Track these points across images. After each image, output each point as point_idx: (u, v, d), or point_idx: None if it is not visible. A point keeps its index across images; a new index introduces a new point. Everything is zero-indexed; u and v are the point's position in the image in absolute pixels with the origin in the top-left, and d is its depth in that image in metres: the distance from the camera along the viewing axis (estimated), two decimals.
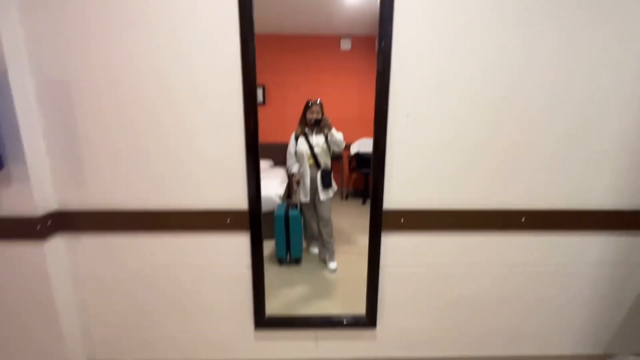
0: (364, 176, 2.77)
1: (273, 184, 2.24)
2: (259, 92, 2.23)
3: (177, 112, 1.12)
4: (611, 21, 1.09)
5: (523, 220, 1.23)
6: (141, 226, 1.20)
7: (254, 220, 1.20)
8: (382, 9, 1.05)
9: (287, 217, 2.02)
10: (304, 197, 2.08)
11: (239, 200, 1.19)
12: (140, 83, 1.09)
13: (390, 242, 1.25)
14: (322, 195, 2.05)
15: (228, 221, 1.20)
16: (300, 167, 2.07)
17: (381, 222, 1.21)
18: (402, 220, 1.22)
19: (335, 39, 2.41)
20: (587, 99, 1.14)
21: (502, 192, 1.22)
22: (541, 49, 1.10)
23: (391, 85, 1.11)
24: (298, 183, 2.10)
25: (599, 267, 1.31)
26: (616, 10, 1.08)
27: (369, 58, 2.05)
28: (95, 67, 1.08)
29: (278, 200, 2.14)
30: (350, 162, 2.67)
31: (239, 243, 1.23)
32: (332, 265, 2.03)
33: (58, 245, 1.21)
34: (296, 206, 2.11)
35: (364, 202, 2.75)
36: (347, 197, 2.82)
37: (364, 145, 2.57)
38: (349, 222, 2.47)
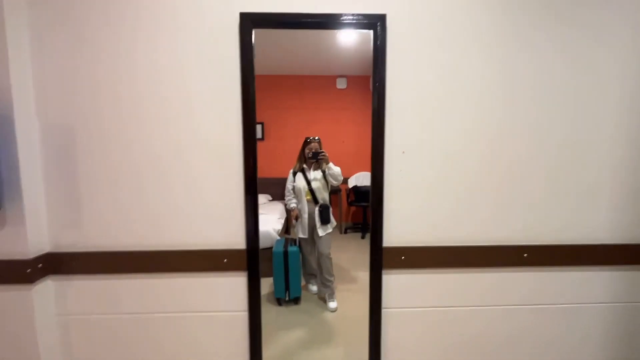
0: (362, 210, 2.76)
1: (271, 219, 2.21)
2: (258, 128, 2.31)
3: (177, 152, 1.14)
4: (594, 59, 1.16)
5: (525, 255, 1.21)
6: (136, 268, 1.17)
7: (251, 260, 1.17)
8: (376, 53, 1.12)
9: (286, 254, 1.97)
10: (302, 233, 2.06)
11: (237, 239, 1.17)
12: (141, 124, 1.12)
13: (392, 281, 1.21)
14: (321, 231, 2.02)
15: (225, 261, 1.17)
16: (298, 202, 2.07)
17: (381, 259, 1.18)
18: (402, 258, 1.19)
19: (332, 79, 2.47)
20: (576, 136, 1.18)
21: (502, 227, 1.21)
22: (528, 87, 1.16)
23: (386, 124, 1.14)
24: (296, 219, 2.09)
25: (608, 304, 1.27)
26: (597, 49, 1.16)
27: (364, 96, 2.13)
28: (100, 112, 1.11)
29: (276, 236, 2.11)
30: (348, 196, 2.67)
31: (236, 284, 1.19)
32: (332, 304, 1.95)
33: (47, 289, 1.16)
34: (295, 242, 2.07)
35: (363, 237, 2.71)
36: (346, 232, 2.78)
37: (361, 178, 2.58)
38: (349, 258, 2.41)
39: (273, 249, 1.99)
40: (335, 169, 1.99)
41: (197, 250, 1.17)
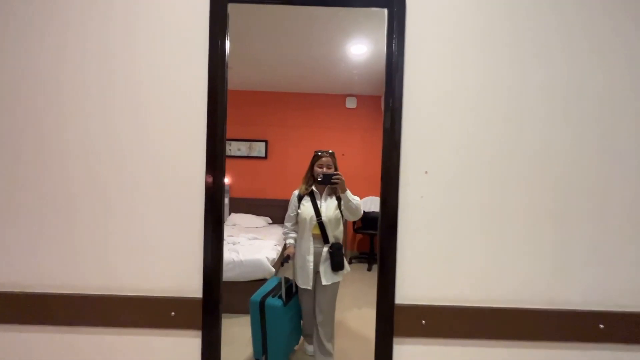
0: (369, 238, 2.50)
1: (266, 246, 1.89)
2: (262, 146, 2.14)
3: (113, 162, 0.85)
4: None
5: (602, 327, 0.83)
6: (48, 317, 0.84)
7: (209, 314, 0.84)
8: (390, 39, 0.84)
9: (262, 306, 1.47)
10: (302, 282, 1.53)
11: (191, 284, 0.84)
12: (77, 120, 0.86)
13: (407, 356, 0.85)
14: (325, 279, 1.49)
15: (173, 314, 0.84)
16: (300, 238, 1.57)
17: (392, 323, 0.83)
18: (423, 322, 0.83)
19: (341, 98, 2.43)
20: None
21: (562, 284, 0.85)
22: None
23: (403, 132, 0.84)
24: (289, 258, 1.61)
25: None
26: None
27: (374, 116, 1.94)
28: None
29: (270, 267, 1.76)
30: (354, 222, 2.41)
31: (186, 348, 0.85)
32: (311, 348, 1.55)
33: None
34: (291, 287, 1.63)
35: (369, 269, 2.45)
36: (351, 261, 2.54)
37: (369, 203, 2.38)
38: (353, 294, 2.03)
39: (251, 297, 1.51)
40: (354, 201, 1.49)
41: (134, 297, 0.84)
